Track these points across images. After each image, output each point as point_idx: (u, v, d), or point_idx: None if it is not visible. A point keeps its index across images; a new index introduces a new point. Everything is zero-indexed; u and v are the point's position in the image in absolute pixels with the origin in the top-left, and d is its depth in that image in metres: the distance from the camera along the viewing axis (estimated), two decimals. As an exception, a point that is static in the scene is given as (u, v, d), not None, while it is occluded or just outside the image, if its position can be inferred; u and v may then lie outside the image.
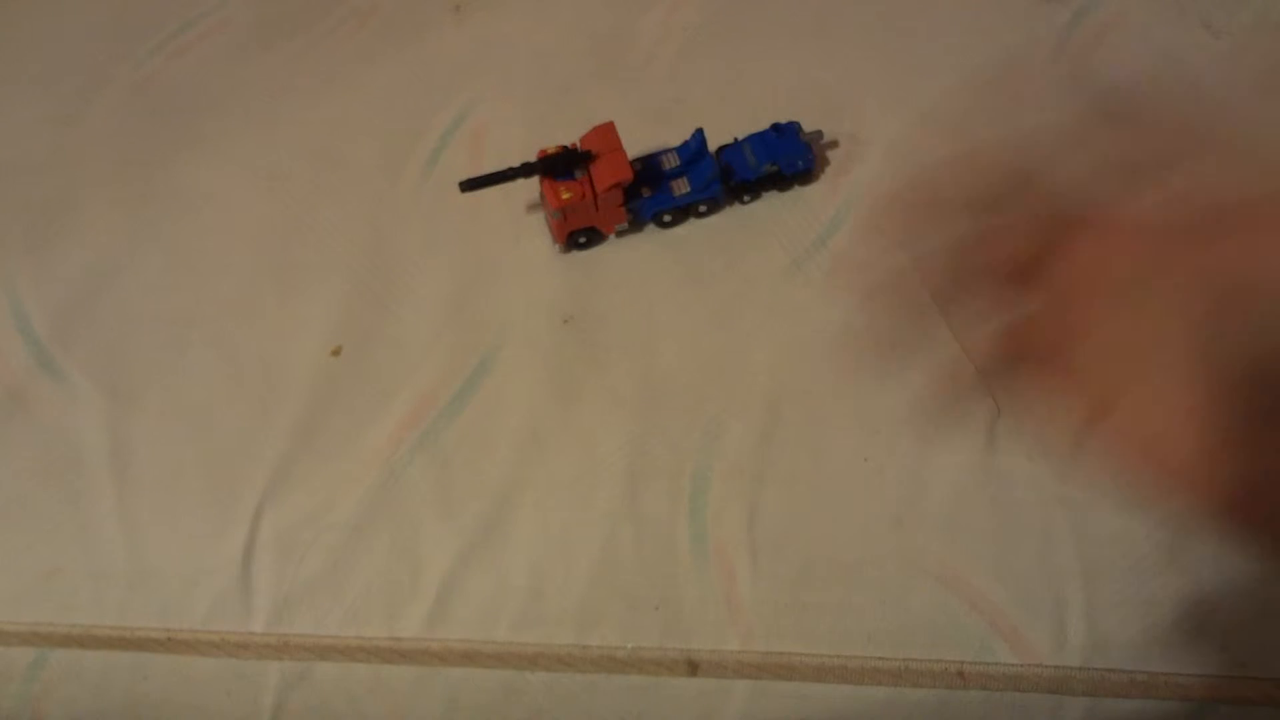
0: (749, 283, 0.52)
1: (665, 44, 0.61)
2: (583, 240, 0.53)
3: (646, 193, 0.53)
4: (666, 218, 0.54)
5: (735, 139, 0.54)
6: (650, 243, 0.54)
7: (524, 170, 0.50)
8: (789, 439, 0.47)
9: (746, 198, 0.54)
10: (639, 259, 0.53)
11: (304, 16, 0.65)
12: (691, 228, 0.54)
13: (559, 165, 0.51)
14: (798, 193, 0.55)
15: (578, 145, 0.51)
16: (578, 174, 0.51)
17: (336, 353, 0.51)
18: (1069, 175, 0.52)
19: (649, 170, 0.53)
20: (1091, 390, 0.39)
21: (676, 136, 0.54)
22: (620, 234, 0.54)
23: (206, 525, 0.47)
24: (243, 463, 0.48)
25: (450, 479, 0.47)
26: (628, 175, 0.50)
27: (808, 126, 0.55)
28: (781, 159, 0.53)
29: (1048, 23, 0.59)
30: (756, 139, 0.54)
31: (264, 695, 0.44)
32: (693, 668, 0.43)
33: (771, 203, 0.54)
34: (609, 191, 0.50)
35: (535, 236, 0.55)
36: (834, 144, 0.56)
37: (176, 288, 0.54)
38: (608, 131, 0.51)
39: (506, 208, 0.55)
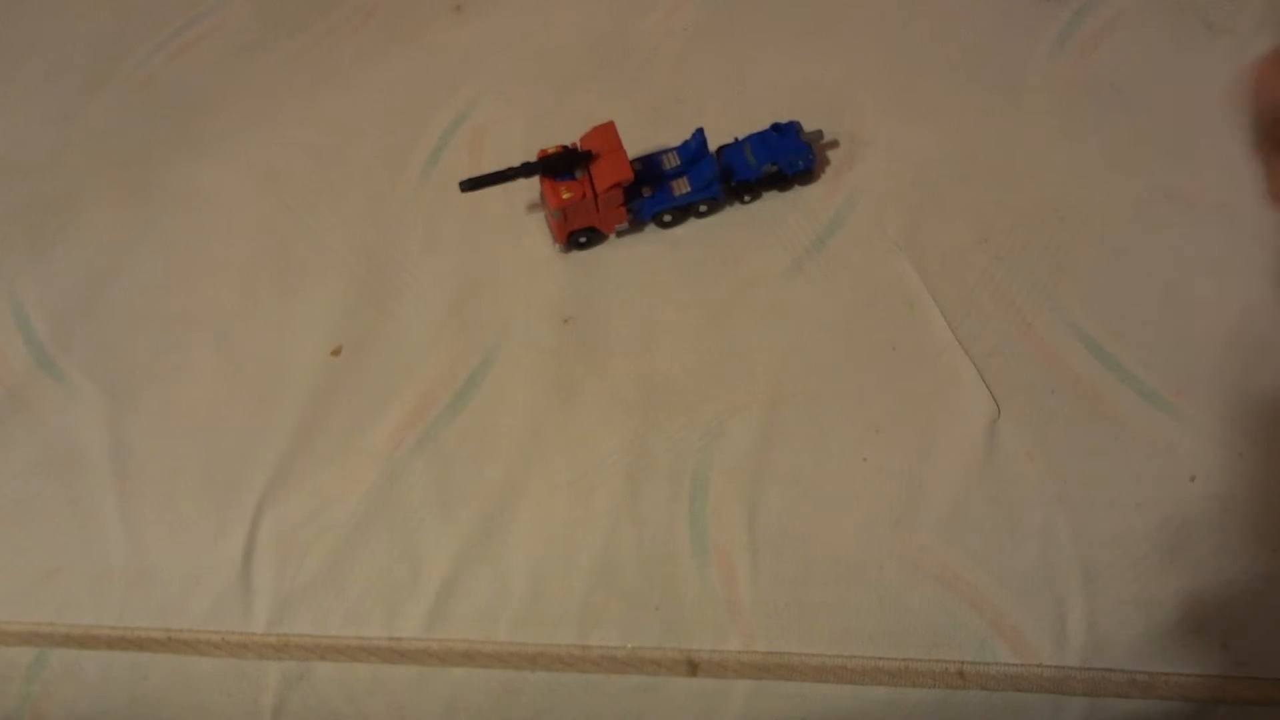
0: (749, 283, 0.52)
1: (665, 44, 0.61)
2: (583, 240, 0.53)
3: (647, 193, 0.53)
4: (666, 218, 0.54)
5: (735, 139, 0.54)
6: (650, 243, 0.54)
7: (524, 170, 0.50)
8: (789, 439, 0.47)
9: (746, 198, 0.54)
10: (639, 259, 0.53)
11: (304, 16, 0.65)
12: (691, 228, 0.54)
13: (559, 165, 0.51)
14: (798, 193, 0.55)
15: (578, 145, 0.51)
16: (578, 174, 0.51)
17: (336, 353, 0.51)
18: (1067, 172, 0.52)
19: (649, 170, 0.53)
20: None
21: (676, 136, 0.54)
22: (620, 234, 0.54)
23: (206, 525, 0.47)
24: (243, 463, 0.48)
25: (450, 479, 0.47)
26: (628, 175, 0.50)
27: (808, 126, 0.55)
28: (781, 159, 0.53)
29: (1048, 22, 0.59)
30: (756, 139, 0.54)
31: (264, 695, 0.44)
32: (693, 668, 0.43)
33: (771, 203, 0.54)
34: (609, 191, 0.50)
35: (535, 236, 0.55)
36: (834, 144, 0.56)
37: (176, 287, 0.54)
38: (608, 131, 0.51)
39: (506, 208, 0.55)
